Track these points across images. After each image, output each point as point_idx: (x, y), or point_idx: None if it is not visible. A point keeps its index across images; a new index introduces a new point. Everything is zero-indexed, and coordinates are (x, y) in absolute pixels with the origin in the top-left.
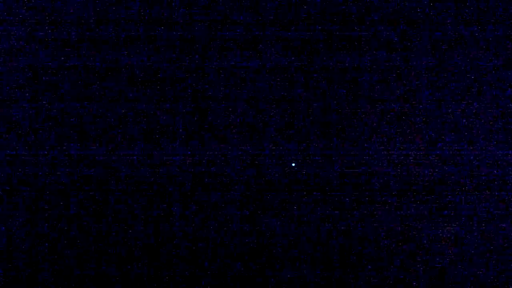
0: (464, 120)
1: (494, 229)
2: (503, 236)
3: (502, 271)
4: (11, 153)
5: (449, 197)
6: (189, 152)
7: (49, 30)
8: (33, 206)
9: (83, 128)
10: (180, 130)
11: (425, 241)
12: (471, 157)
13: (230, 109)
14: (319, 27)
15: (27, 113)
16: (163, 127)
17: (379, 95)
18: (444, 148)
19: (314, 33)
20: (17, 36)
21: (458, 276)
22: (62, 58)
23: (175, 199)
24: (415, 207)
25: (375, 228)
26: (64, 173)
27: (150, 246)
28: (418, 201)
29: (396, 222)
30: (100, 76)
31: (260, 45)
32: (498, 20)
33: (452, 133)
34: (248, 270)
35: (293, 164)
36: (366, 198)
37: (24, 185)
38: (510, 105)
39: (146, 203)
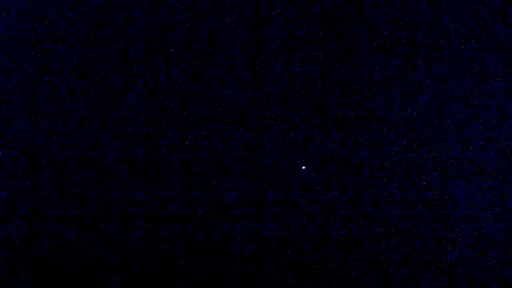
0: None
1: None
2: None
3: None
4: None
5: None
6: (189, 151)
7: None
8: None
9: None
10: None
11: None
12: (474, 156)
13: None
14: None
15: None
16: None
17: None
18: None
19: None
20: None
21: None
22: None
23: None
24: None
25: (377, 227)
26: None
27: (150, 246)
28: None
29: (398, 222)
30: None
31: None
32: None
33: (453, 133)
34: (248, 270)
35: (304, 167)
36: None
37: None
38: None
39: (144, 202)
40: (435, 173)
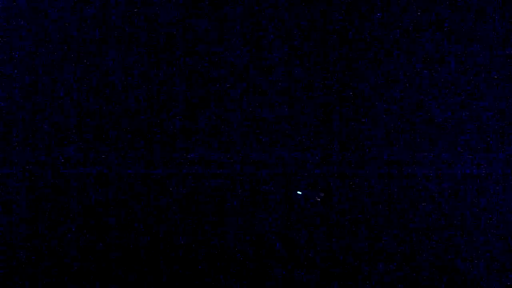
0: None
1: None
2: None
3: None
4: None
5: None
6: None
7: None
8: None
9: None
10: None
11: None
12: (472, 160)
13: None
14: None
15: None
16: (161, 126)
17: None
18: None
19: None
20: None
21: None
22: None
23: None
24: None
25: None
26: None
27: (150, 246)
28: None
29: (397, 224)
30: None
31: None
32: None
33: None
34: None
35: (299, 192)
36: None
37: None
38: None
39: (144, 202)
40: (435, 173)
